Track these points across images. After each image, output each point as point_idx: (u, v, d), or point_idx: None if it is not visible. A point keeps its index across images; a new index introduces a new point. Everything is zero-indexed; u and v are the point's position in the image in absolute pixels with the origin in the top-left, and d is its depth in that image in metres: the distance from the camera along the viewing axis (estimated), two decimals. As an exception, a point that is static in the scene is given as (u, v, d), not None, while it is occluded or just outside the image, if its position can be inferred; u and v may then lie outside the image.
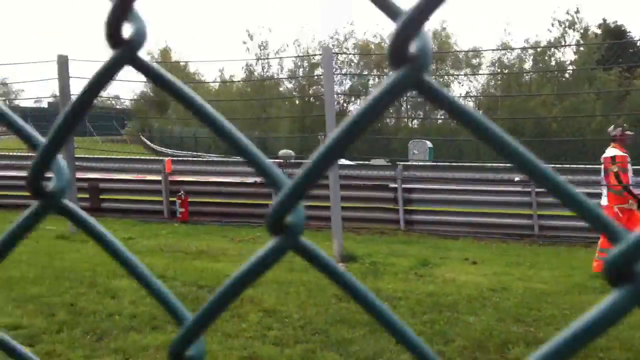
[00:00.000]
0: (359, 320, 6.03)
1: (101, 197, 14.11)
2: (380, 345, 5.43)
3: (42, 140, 0.51)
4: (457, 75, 40.98)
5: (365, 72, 43.93)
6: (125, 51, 0.46)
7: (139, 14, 0.46)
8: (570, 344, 0.35)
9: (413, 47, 0.37)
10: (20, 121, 0.53)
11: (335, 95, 9.98)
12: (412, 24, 0.36)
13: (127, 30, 0.46)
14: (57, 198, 0.51)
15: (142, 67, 0.47)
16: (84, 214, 0.53)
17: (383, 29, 42.36)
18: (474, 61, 41.52)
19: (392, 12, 0.42)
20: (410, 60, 0.37)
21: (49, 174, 0.51)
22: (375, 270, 8.50)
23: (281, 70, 49.90)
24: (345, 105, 45.79)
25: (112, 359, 5.08)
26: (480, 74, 40.55)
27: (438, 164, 17.09)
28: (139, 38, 0.46)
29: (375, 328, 5.91)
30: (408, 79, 0.37)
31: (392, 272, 8.45)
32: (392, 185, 12.91)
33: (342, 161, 13.46)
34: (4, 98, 43.80)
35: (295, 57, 44.19)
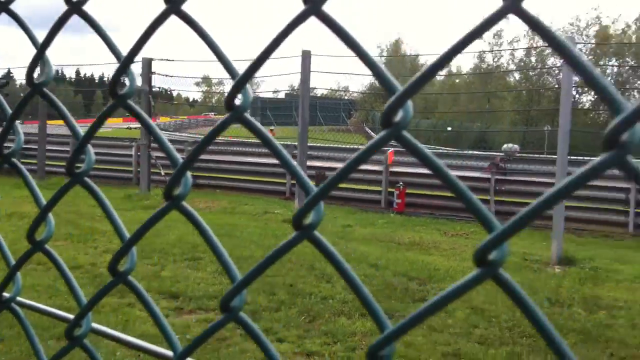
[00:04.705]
0: (571, 327, 5.79)
1: (325, 185, 14.88)
2: (592, 355, 5.18)
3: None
4: None
5: (602, 62, 40.89)
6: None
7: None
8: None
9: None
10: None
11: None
12: None
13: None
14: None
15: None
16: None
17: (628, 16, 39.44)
18: None
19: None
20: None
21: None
22: (596, 276, 8.00)
23: (512, 61, 48.38)
24: (577, 96, 43.13)
25: (322, 341, 5.45)
26: None
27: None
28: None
29: (589, 337, 5.64)
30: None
31: (614, 279, 7.91)
32: (624, 185, 11.91)
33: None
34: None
35: (528, 47, 42.60)
